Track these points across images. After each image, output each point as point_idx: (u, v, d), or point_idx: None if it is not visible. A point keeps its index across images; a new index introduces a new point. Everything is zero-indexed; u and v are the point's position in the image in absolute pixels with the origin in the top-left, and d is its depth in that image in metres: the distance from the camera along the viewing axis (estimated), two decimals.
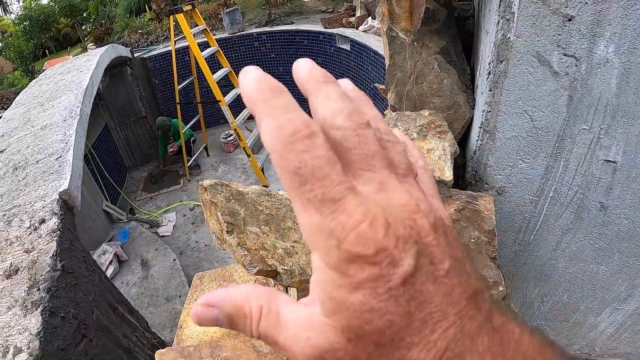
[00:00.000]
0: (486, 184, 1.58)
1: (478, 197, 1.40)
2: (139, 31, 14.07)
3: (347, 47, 9.54)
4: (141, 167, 11.05)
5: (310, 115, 0.36)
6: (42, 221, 2.60)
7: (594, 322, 2.02)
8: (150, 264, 6.94)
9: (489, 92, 1.40)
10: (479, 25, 1.72)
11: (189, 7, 8.17)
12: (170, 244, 7.69)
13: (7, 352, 1.97)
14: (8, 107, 5.41)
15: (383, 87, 2.00)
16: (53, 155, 3.36)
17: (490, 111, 1.43)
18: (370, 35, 9.14)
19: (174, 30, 8.70)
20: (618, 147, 1.39)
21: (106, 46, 8.46)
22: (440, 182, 1.43)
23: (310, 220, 0.31)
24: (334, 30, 9.95)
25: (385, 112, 1.90)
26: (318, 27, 10.55)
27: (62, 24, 27.29)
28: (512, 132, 1.44)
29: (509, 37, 1.27)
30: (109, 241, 7.21)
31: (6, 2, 34.97)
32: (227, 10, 11.41)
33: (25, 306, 2.15)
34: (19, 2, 35.05)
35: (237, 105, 8.55)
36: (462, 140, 1.81)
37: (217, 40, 9.46)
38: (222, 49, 8.96)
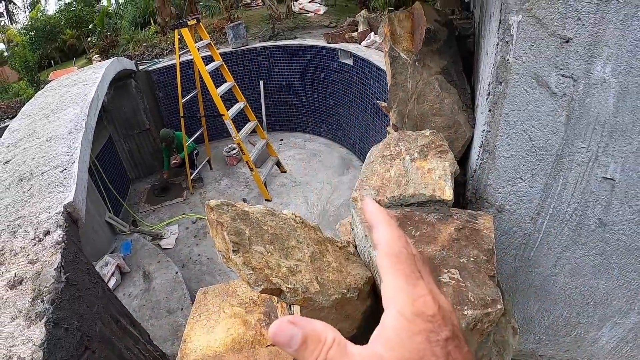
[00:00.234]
0: (486, 202, 1.60)
1: (477, 216, 1.42)
2: (144, 44, 14.16)
3: (349, 62, 9.59)
4: (144, 179, 11.06)
5: None
6: (47, 233, 2.61)
7: (595, 336, 2.03)
8: (152, 276, 6.93)
9: (489, 113, 1.42)
10: (479, 45, 1.75)
11: (193, 22, 8.26)
12: (172, 256, 7.68)
13: None
14: (13, 116, 5.46)
15: (385, 104, 2.03)
16: (58, 167, 3.38)
17: (490, 131, 1.45)
18: (373, 51, 9.19)
19: (179, 44, 8.77)
20: (616, 165, 1.41)
21: (112, 59, 8.51)
22: (440, 202, 1.45)
23: (397, 285, 0.48)
24: (337, 45, 10.00)
25: (387, 129, 1.93)
26: (321, 42, 10.60)
27: (67, 35, 27.45)
28: (512, 152, 1.46)
29: (508, 59, 1.30)
30: (111, 253, 7.21)
31: (13, 12, 35.29)
32: (231, 24, 11.49)
33: (29, 317, 2.16)
34: (25, 12, 35.38)
35: (240, 119, 8.61)
36: (463, 158, 1.83)
37: (221, 54, 9.54)
38: (226, 63, 9.04)
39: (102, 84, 6.23)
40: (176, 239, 8.44)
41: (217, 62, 8.74)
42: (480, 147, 1.52)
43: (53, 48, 27.86)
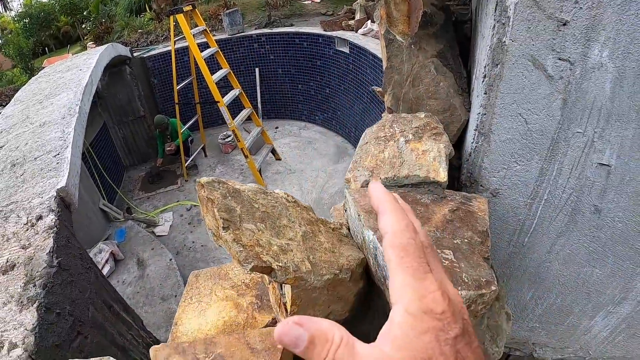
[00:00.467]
0: (481, 186, 1.59)
1: (472, 199, 1.41)
2: (139, 31, 14.06)
3: (346, 50, 9.56)
4: (139, 166, 11.05)
5: None
6: (39, 218, 2.60)
7: (588, 325, 2.03)
8: (146, 263, 6.94)
9: (485, 95, 1.41)
10: (476, 29, 1.73)
11: (189, 8, 8.18)
12: (166, 243, 7.70)
13: (2, 347, 1.97)
14: (7, 104, 5.42)
15: (380, 89, 2.01)
16: (51, 152, 3.36)
17: (485, 114, 1.44)
18: (369, 39, 9.17)
19: (174, 31, 8.71)
20: (612, 151, 1.40)
21: (106, 45, 8.46)
22: (434, 183, 1.44)
23: (404, 280, 0.47)
24: (334, 33, 9.96)
25: (382, 115, 1.91)
26: (317, 30, 10.56)
27: (62, 22, 27.24)
28: (507, 135, 1.45)
29: (505, 41, 1.28)
30: (105, 240, 7.20)
31: (6, 0, 34.94)
32: (227, 11, 11.42)
33: (21, 302, 2.16)
34: None
35: (236, 106, 8.57)
36: (458, 142, 1.82)
37: (217, 41, 9.48)
38: (221, 50, 8.98)
39: (96, 69, 6.19)
40: (170, 226, 8.45)
41: (213, 48, 8.68)
42: (475, 130, 1.51)
43: (47, 35, 27.65)
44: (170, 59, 9.03)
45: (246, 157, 8.46)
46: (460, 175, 1.73)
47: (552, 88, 1.32)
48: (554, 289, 1.91)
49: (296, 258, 0.99)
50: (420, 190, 1.45)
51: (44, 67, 11.36)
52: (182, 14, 7.96)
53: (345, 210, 1.48)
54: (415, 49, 1.75)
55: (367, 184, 1.37)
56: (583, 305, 1.94)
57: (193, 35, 8.07)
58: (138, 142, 10.95)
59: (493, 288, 1.01)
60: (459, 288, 1.02)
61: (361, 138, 1.73)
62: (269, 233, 0.99)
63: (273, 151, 9.95)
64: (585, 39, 1.22)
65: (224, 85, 8.83)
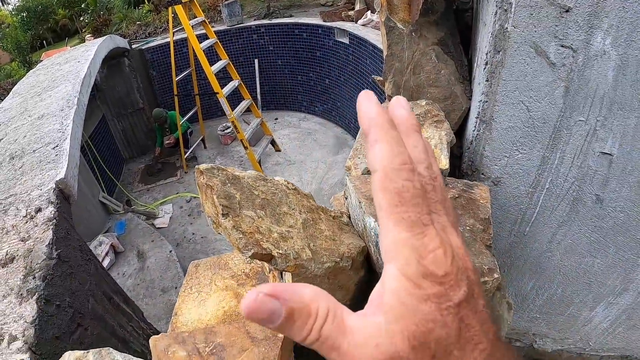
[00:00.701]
0: (482, 174, 1.58)
1: (474, 186, 1.41)
2: (137, 22, 14.01)
3: (345, 40, 9.52)
4: (138, 158, 11.04)
5: None
6: (39, 210, 2.59)
7: (589, 316, 2.03)
8: (146, 255, 6.95)
9: (486, 82, 1.40)
10: (477, 17, 1.71)
11: None
12: (166, 235, 7.70)
13: (2, 339, 1.97)
14: (5, 97, 5.40)
15: (381, 78, 2.00)
16: (50, 144, 3.35)
17: (487, 101, 1.43)
18: (369, 29, 9.12)
19: (173, 22, 8.65)
20: (614, 140, 1.39)
21: (104, 37, 8.42)
22: None
23: (399, 235, 0.37)
24: (333, 24, 9.91)
25: (383, 104, 1.90)
26: (317, 21, 10.51)
27: (60, 15, 27.14)
28: (509, 123, 1.44)
29: (507, 28, 1.27)
30: (105, 232, 7.21)
31: None
32: (226, 2, 11.35)
33: (21, 294, 2.15)
34: None
35: (235, 97, 8.53)
36: (459, 131, 1.81)
37: (216, 32, 9.42)
38: (220, 42, 8.92)
39: (94, 61, 6.16)
40: (170, 218, 8.45)
41: (212, 39, 8.63)
42: (477, 117, 1.50)
43: (45, 28, 27.56)
44: (169, 50, 8.98)
45: (246, 148, 8.43)
46: (461, 163, 1.72)
47: (555, 75, 1.30)
48: (555, 279, 1.90)
49: (296, 245, 0.98)
50: None
51: (42, 61, 11.31)
52: (180, 5, 7.90)
53: (346, 198, 1.47)
54: (416, 36, 1.74)
55: (368, 171, 1.36)
56: (584, 296, 1.94)
57: (192, 26, 8.02)
58: (137, 134, 10.93)
59: (495, 276, 1.01)
60: None
61: None
62: (269, 220, 0.98)
63: (273, 142, 9.92)
64: (588, 26, 1.21)
65: (223, 77, 8.78)
